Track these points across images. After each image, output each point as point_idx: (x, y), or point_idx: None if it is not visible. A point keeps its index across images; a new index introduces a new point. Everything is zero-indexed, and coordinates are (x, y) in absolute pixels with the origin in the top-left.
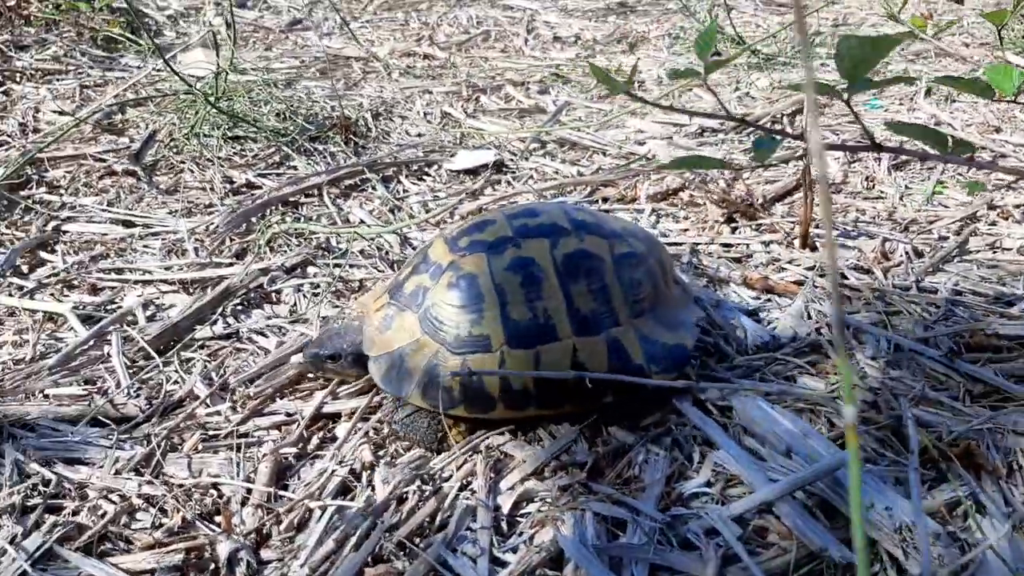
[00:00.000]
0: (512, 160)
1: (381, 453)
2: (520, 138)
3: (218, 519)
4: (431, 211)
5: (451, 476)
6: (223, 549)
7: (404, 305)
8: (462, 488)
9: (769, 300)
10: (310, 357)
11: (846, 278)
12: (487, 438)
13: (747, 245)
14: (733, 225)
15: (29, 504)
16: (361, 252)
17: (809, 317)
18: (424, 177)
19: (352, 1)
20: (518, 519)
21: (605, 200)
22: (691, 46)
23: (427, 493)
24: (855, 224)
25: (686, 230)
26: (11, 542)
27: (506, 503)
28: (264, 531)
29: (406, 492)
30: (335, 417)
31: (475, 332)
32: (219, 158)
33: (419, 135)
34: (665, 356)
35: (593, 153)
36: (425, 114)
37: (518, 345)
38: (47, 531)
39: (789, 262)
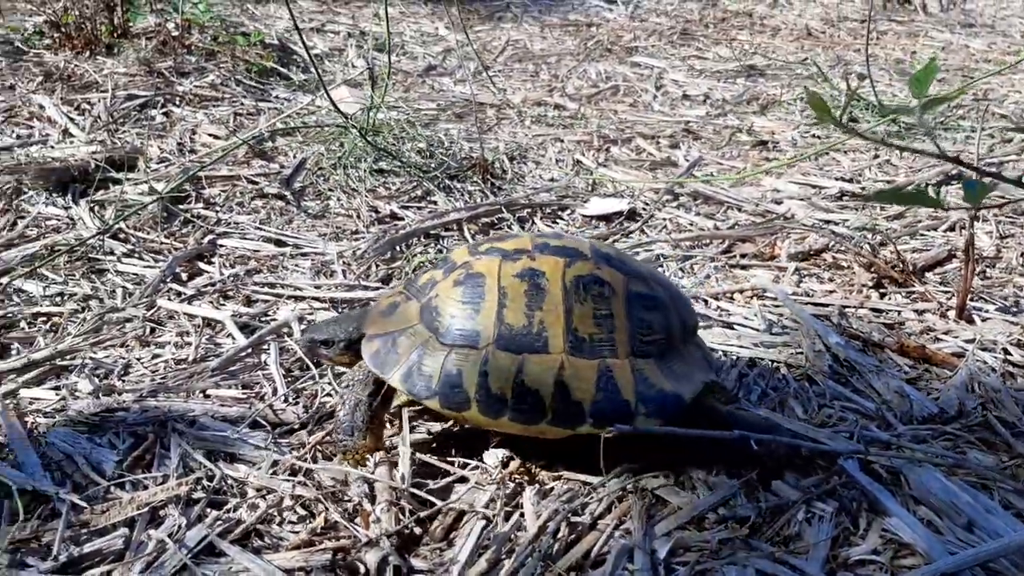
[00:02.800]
0: (645, 209)
1: (527, 479)
2: (653, 189)
3: (358, 521)
4: None
5: (603, 514)
6: (372, 558)
7: (412, 295)
8: (615, 527)
9: (927, 371)
10: (305, 342)
11: (1009, 354)
12: (641, 479)
13: (898, 312)
14: (882, 291)
15: (194, 497)
16: None
17: (973, 391)
18: (558, 220)
19: (483, 51)
20: (674, 566)
21: (743, 256)
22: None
23: (580, 528)
24: (1015, 300)
25: (832, 291)
26: (173, 533)
27: (662, 548)
28: (408, 535)
29: (558, 523)
30: (484, 436)
31: (468, 326)
32: (365, 188)
33: (552, 179)
34: (657, 401)
35: (728, 208)
36: (558, 160)
37: (505, 348)
38: (209, 524)
39: (945, 333)
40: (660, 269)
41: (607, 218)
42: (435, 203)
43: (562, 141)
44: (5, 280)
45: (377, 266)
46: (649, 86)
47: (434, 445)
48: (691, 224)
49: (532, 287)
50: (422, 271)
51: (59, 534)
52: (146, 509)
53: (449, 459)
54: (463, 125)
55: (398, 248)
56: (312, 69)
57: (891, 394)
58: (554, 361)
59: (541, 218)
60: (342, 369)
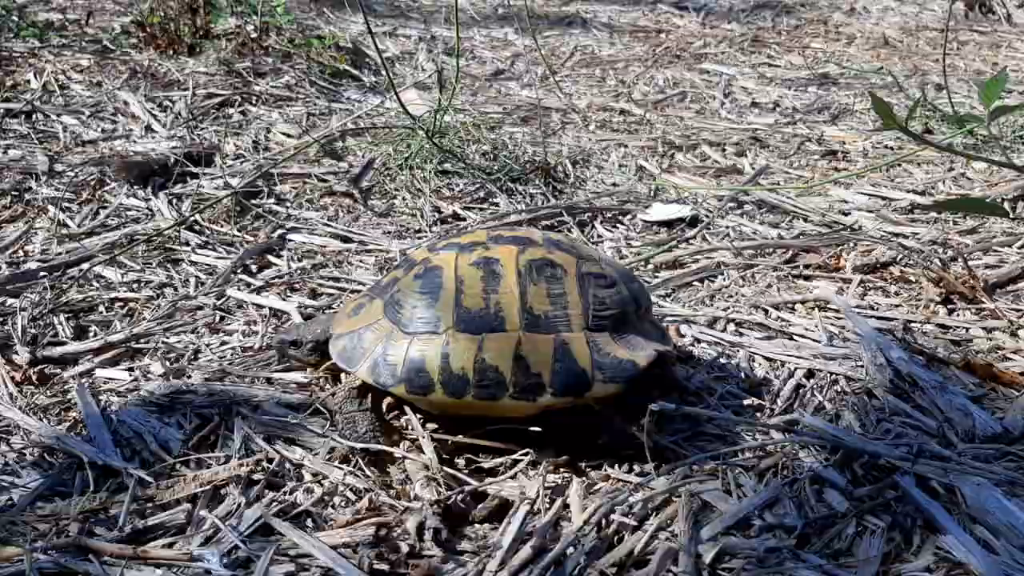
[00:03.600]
0: (707, 216)
1: (574, 473)
2: (717, 196)
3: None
4: (624, 257)
5: (649, 515)
6: (411, 522)
7: (376, 295)
8: (660, 528)
9: (993, 390)
10: (276, 343)
11: None
12: (689, 481)
13: (966, 329)
14: (950, 307)
15: (254, 478)
16: None
17: None
18: (618, 224)
19: (551, 56)
20: (720, 572)
21: (807, 267)
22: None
23: (625, 527)
24: None
25: (898, 306)
26: (232, 511)
27: (707, 553)
28: (451, 509)
29: (601, 519)
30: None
31: (427, 314)
32: (429, 189)
33: (614, 184)
34: (613, 367)
35: (793, 218)
36: (621, 165)
37: (465, 330)
38: (266, 504)
39: (1015, 352)
40: (719, 277)
41: (668, 224)
42: (497, 205)
43: (626, 146)
44: (86, 266)
45: None
46: (717, 93)
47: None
48: (754, 233)
49: (488, 273)
50: (386, 272)
51: (125, 506)
52: (208, 487)
53: (507, 449)
54: (528, 129)
55: None
56: (383, 71)
57: (954, 412)
58: (511, 338)
59: (601, 222)
60: None
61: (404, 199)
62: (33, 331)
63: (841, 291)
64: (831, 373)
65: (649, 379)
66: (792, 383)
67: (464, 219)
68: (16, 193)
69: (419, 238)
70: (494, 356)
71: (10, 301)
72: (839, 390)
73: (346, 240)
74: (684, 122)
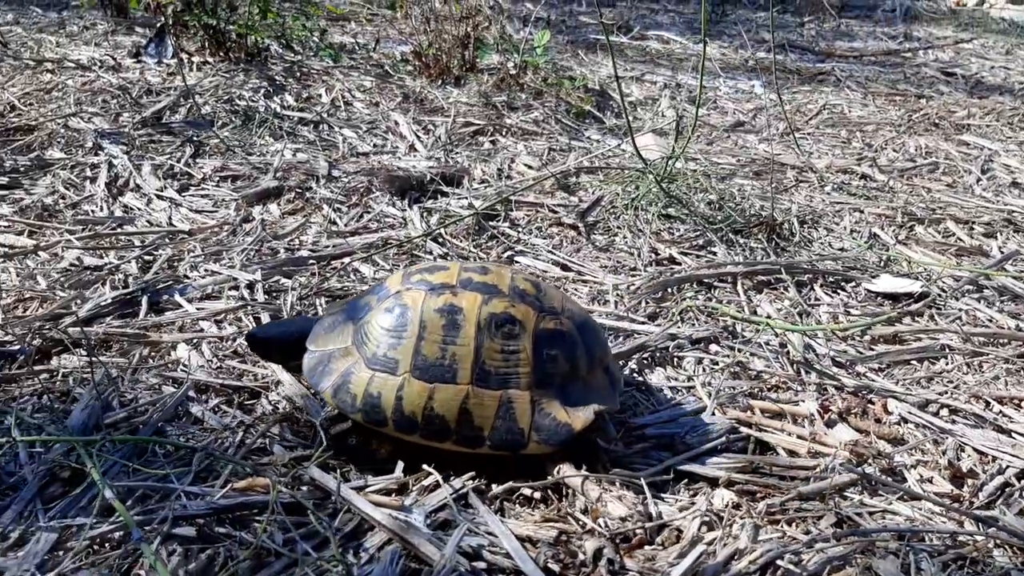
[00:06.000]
0: (940, 296)
1: (748, 516)
2: (954, 276)
3: (588, 515)
4: (840, 324)
5: (819, 572)
6: (590, 545)
7: (351, 317)
8: None
9: None
10: (247, 337)
11: None
12: (866, 554)
13: None
14: None
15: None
16: (765, 344)
17: None
18: (839, 291)
19: (796, 112)
20: None
21: None
22: None
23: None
24: None
25: None
26: (439, 482)
27: None
28: (629, 536)
29: (768, 563)
30: (714, 482)
31: (389, 354)
32: (650, 230)
33: (841, 249)
34: (548, 430)
35: None
36: (852, 231)
37: (420, 377)
38: (464, 482)
39: None
40: (941, 360)
41: (895, 297)
42: (714, 254)
43: (861, 212)
44: (347, 260)
45: (647, 303)
46: (974, 167)
47: (665, 477)
48: (990, 320)
49: (449, 323)
50: (364, 292)
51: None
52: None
53: (688, 486)
54: (758, 183)
55: (670, 290)
56: (623, 116)
57: None
58: (460, 391)
59: (821, 285)
60: None
61: (625, 237)
62: (299, 308)
63: None
64: None
65: (585, 441)
66: (1000, 480)
67: (679, 263)
68: (300, 191)
69: (633, 275)
70: (441, 405)
71: (284, 281)
72: None
73: (565, 268)
74: (931, 194)
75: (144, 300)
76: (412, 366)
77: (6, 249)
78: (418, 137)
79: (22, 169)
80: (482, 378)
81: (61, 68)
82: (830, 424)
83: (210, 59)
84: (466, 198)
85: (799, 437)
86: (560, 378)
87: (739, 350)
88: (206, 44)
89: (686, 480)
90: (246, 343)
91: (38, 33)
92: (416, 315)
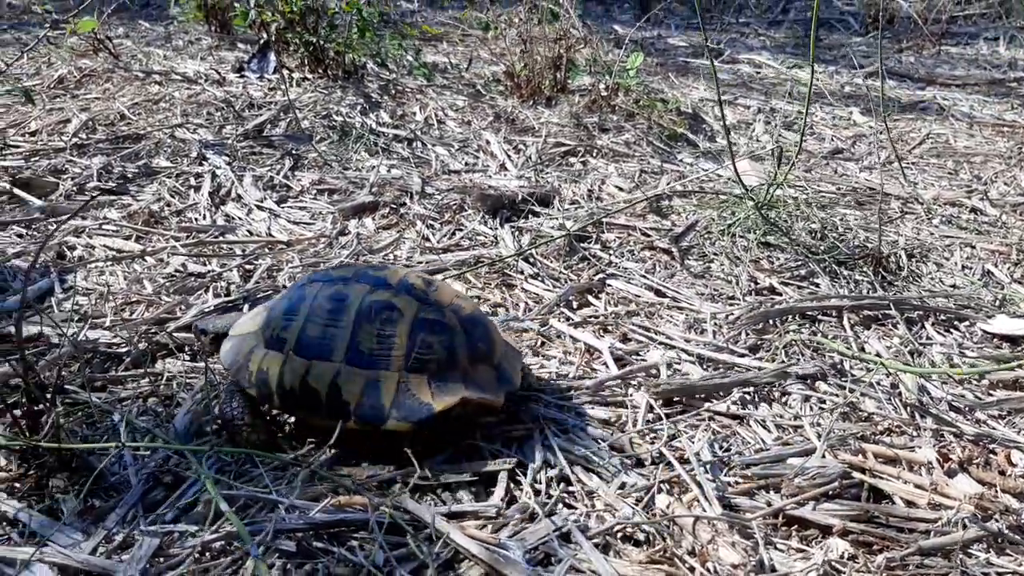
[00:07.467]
0: None
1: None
2: None
3: (695, 559)
4: (955, 366)
5: None
6: None
7: (267, 306)
8: None
9: None
10: (193, 328)
11: None
12: None
13: None
14: None
15: (550, 492)
16: (876, 384)
17: None
18: (952, 330)
19: (898, 141)
20: None
21: None
22: None
23: None
24: None
25: None
26: (533, 510)
27: None
28: None
29: None
30: (827, 530)
31: (282, 335)
32: (749, 258)
33: (953, 286)
34: (409, 408)
35: None
36: (964, 267)
37: (300, 354)
38: (564, 518)
39: None
40: None
41: (1013, 340)
42: (817, 285)
43: (973, 247)
44: (440, 276)
45: (747, 334)
46: None
47: (774, 521)
48: None
49: (335, 307)
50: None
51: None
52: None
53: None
54: (861, 213)
55: (771, 321)
56: (721, 139)
57: None
58: (332, 368)
59: (933, 324)
60: (695, 422)
61: (722, 264)
62: None
63: None
64: None
65: (448, 419)
66: None
67: (780, 294)
68: (394, 206)
69: (731, 304)
70: (316, 380)
71: None
72: None
73: (659, 294)
74: None
75: (246, 308)
76: (295, 345)
77: (115, 252)
78: (509, 156)
79: (131, 176)
80: (355, 357)
81: (168, 80)
82: (950, 474)
83: (309, 75)
84: (557, 218)
85: (917, 486)
86: (435, 365)
87: (851, 390)
88: (306, 61)
89: (796, 526)
90: (194, 334)
91: (146, 47)
92: (309, 302)
